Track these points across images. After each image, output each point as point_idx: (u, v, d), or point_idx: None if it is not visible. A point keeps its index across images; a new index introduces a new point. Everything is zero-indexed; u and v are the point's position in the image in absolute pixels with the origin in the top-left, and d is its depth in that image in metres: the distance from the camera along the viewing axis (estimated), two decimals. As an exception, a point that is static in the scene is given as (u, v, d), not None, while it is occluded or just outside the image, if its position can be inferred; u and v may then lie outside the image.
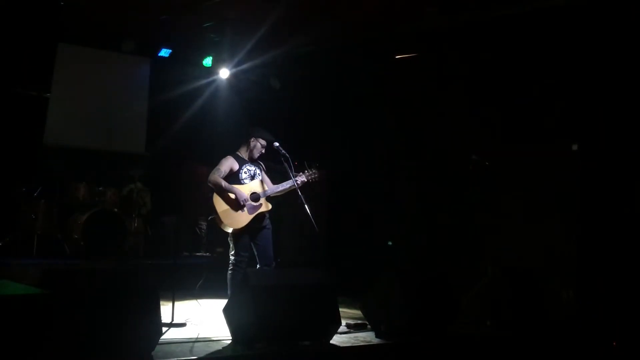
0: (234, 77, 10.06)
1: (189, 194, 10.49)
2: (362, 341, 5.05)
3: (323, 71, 9.54)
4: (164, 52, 9.66)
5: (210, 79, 10.15)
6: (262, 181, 5.92)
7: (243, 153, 5.94)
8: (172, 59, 9.82)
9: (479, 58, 7.78)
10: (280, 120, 9.14)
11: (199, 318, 5.43)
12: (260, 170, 5.98)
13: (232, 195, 5.70)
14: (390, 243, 8.74)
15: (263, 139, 5.92)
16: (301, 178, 5.88)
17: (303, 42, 8.96)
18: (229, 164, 5.79)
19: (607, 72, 6.67)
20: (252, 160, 5.95)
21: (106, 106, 9.66)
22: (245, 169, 5.84)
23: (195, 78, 10.08)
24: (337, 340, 4.93)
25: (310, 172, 5.93)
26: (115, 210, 8.69)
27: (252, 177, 5.87)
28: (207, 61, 9.89)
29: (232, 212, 5.68)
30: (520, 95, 7.43)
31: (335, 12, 7.92)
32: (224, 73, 9.89)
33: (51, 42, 9.10)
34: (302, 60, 9.63)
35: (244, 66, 9.84)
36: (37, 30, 8.69)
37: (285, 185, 5.87)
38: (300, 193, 5.79)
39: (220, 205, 5.69)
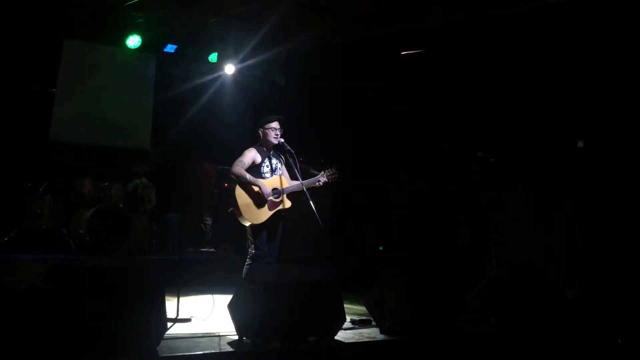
0: (239, 73, 10.07)
1: (194, 190, 10.51)
2: (366, 337, 5.06)
3: (327, 68, 9.52)
4: (170, 48, 9.65)
5: (216, 74, 10.16)
6: (282, 176, 5.93)
7: (263, 145, 5.94)
8: (177, 55, 9.81)
9: (484, 55, 7.76)
10: (284, 117, 9.13)
11: (204, 313, 5.43)
12: (282, 165, 5.99)
13: (256, 189, 5.70)
14: (381, 248, 8.73)
15: (269, 122, 5.93)
16: (323, 178, 5.94)
17: (308, 38, 8.94)
18: (251, 155, 5.80)
19: (615, 69, 6.65)
20: (274, 151, 5.95)
21: (111, 102, 9.65)
22: (267, 163, 5.85)
23: (200, 74, 10.08)
24: (341, 336, 4.94)
25: (331, 172, 5.98)
26: (120, 206, 8.71)
27: (273, 172, 5.88)
28: (213, 57, 9.90)
29: (253, 206, 5.68)
30: (526, 92, 7.41)
31: (340, 8, 7.90)
32: (230, 69, 9.90)
33: (57, 38, 9.10)
34: (307, 57, 9.61)
35: (249, 62, 9.84)
36: (43, 27, 8.69)
37: (306, 183, 5.87)
38: (305, 189, 5.80)
39: (242, 198, 5.68)
